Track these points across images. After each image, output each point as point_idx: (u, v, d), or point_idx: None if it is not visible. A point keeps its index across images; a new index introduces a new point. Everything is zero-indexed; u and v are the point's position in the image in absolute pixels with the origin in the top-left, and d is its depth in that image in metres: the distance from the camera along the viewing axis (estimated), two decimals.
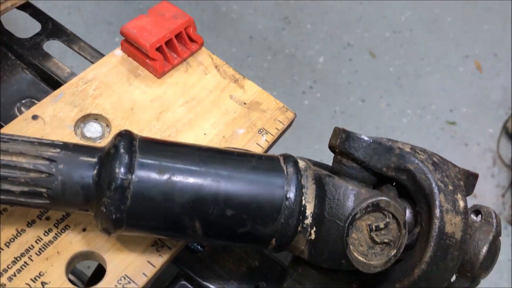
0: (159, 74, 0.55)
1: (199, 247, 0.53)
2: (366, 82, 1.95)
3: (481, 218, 0.46)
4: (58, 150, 0.40)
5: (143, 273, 0.45)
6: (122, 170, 0.38)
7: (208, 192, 0.40)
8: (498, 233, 0.45)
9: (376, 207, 0.40)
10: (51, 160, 0.39)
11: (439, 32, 2.14)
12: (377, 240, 0.41)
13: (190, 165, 0.41)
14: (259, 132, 0.55)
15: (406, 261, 0.43)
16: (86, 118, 0.51)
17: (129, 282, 0.44)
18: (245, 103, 0.57)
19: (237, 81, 0.58)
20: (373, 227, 0.41)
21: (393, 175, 0.43)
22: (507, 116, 1.94)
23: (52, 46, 0.63)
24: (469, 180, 0.47)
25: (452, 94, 1.99)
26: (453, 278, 0.44)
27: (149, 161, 0.40)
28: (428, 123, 1.89)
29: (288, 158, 0.44)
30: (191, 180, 0.40)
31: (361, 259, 0.41)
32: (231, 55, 1.91)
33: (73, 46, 0.63)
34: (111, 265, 0.44)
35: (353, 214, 0.40)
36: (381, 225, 0.41)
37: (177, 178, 0.40)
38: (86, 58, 0.62)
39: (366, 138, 0.43)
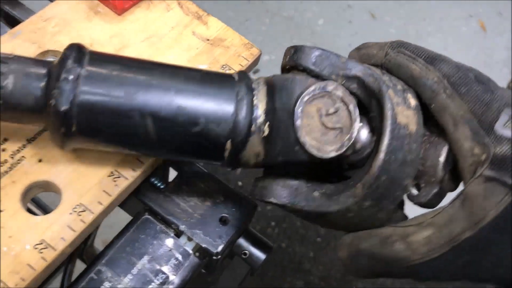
0: (119, 10, 0.54)
1: (163, 184, 0.53)
2: None
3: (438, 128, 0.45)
4: (12, 55, 0.41)
5: (99, 202, 0.45)
6: (72, 62, 0.39)
7: (160, 87, 0.41)
8: None
9: (323, 90, 0.41)
10: (3, 61, 0.40)
11: None
12: (328, 125, 0.41)
13: (142, 68, 0.42)
14: (222, 68, 0.55)
15: (366, 165, 0.42)
16: (44, 55, 0.51)
17: (84, 210, 0.44)
18: (208, 39, 0.56)
19: (200, 18, 0.57)
20: (323, 112, 0.41)
21: (343, 84, 0.43)
22: (511, 76, 1.90)
23: None
24: None
25: (455, 54, 1.92)
26: (421, 190, 0.43)
27: (99, 63, 0.41)
28: None
29: (239, 71, 0.45)
30: (142, 77, 0.41)
31: (314, 142, 0.41)
32: (228, 19, 1.88)
33: None
34: (67, 194, 0.45)
35: (301, 96, 0.41)
36: (331, 110, 0.41)
37: (128, 76, 0.41)
38: (51, 1, 0.61)
39: (313, 48, 0.43)
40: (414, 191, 0.42)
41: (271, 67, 1.81)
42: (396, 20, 2.00)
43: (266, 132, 0.42)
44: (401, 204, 0.45)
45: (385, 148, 0.39)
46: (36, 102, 0.40)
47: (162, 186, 0.53)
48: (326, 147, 0.41)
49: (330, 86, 0.41)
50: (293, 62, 0.43)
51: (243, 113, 0.42)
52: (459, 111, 0.40)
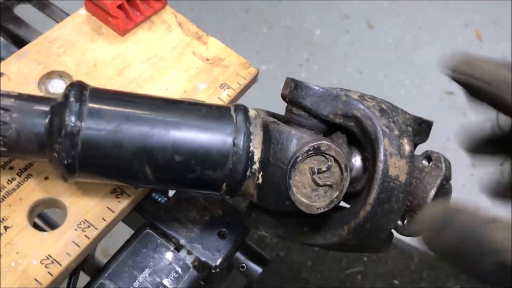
0: (122, 31, 0.57)
1: (164, 198, 0.55)
2: (364, 53, 1.95)
3: (431, 163, 0.47)
4: (12, 100, 0.42)
5: (103, 218, 0.47)
6: (72, 117, 0.40)
7: (157, 139, 0.42)
8: (446, 178, 0.46)
9: (317, 150, 0.42)
10: (5, 109, 0.41)
11: (439, 1, 2.12)
12: (319, 182, 0.42)
13: (139, 112, 0.42)
14: (221, 87, 0.57)
15: (354, 206, 0.44)
16: (50, 75, 0.53)
17: (89, 226, 0.46)
18: (207, 59, 0.58)
19: (200, 38, 0.59)
20: (315, 170, 0.42)
21: (341, 122, 0.44)
22: None
23: (24, 10, 0.65)
24: (422, 127, 0.48)
25: None
26: (405, 222, 0.46)
27: (98, 109, 0.41)
28: (426, 93, 1.88)
29: (238, 107, 0.45)
30: (139, 127, 0.42)
31: (304, 200, 0.42)
32: (226, 28, 1.91)
33: (43, 10, 0.64)
34: (72, 211, 0.47)
35: (294, 157, 0.42)
36: (323, 168, 0.42)
37: (126, 125, 0.41)
38: (55, 21, 0.63)
39: (313, 87, 0.44)
40: (399, 223, 0.45)
41: (269, 76, 1.84)
42: (393, 30, 2.03)
43: (260, 180, 0.43)
44: None
45: (372, 201, 0.41)
46: (40, 148, 0.42)
47: (162, 201, 0.55)
48: (315, 204, 0.42)
49: (324, 146, 0.42)
50: (293, 98, 0.44)
51: (239, 160, 0.43)
52: None
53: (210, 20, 1.91)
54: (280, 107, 0.49)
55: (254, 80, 0.59)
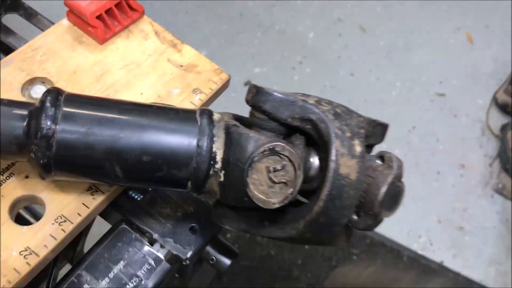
0: (101, 40, 0.61)
1: (140, 195, 0.59)
2: (356, 56, 1.98)
3: (384, 163, 0.50)
4: None
5: (78, 214, 0.51)
6: (47, 121, 0.44)
7: (125, 141, 0.46)
8: (397, 176, 0.49)
9: (272, 151, 0.46)
10: None
11: (431, 5, 2.15)
12: (275, 180, 0.46)
13: (109, 116, 0.46)
14: (193, 92, 0.61)
15: (311, 202, 0.48)
16: (33, 81, 0.57)
17: (65, 221, 0.50)
18: (181, 66, 0.62)
19: (175, 46, 0.63)
20: (271, 169, 0.46)
21: (298, 125, 0.48)
22: (497, 87, 1.95)
23: (11, 19, 0.69)
24: (376, 129, 0.52)
25: (442, 66, 2.00)
26: (360, 217, 0.49)
27: (72, 113, 0.45)
28: (417, 95, 1.92)
29: (203, 111, 0.49)
30: (109, 130, 0.46)
31: (261, 196, 0.46)
32: (221, 32, 1.95)
33: (30, 19, 0.68)
34: (50, 206, 0.51)
35: (252, 157, 0.45)
36: (278, 167, 0.46)
37: (97, 128, 0.45)
38: (41, 30, 0.67)
39: (273, 93, 0.48)
40: (354, 217, 0.48)
41: (263, 79, 1.88)
42: (386, 33, 2.06)
43: (222, 179, 0.47)
44: None
45: (325, 197, 0.45)
46: (19, 149, 0.45)
47: (138, 199, 0.59)
48: (271, 200, 0.46)
49: (278, 147, 0.45)
50: (255, 103, 0.48)
51: (203, 160, 0.47)
52: None
53: (205, 24, 1.95)
54: None
55: (226, 85, 0.63)
